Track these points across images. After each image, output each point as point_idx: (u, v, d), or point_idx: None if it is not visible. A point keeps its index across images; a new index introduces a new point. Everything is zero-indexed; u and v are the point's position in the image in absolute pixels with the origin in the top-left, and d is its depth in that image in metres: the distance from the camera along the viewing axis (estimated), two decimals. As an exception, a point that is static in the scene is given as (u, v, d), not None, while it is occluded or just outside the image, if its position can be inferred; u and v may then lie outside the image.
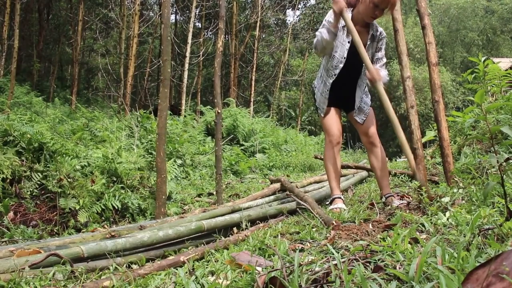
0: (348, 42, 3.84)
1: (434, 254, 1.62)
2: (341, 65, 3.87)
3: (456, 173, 3.75)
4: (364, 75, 3.87)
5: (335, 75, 3.92)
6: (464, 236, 1.92)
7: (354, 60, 3.80)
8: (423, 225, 2.43)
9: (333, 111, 4.02)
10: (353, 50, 3.74)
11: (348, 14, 3.73)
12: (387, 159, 4.45)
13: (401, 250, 1.84)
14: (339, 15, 3.73)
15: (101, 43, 26.04)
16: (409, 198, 3.76)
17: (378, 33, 3.89)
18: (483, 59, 4.54)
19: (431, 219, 2.56)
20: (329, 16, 3.87)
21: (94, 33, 26.66)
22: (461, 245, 1.64)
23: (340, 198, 3.95)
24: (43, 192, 4.92)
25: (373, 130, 3.96)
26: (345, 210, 3.63)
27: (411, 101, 3.87)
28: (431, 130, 7.30)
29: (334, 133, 3.97)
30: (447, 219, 2.42)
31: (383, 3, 3.64)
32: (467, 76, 5.47)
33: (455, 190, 3.22)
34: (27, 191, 4.77)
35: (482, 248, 1.69)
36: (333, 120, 4.00)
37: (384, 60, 3.93)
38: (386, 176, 3.99)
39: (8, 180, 4.66)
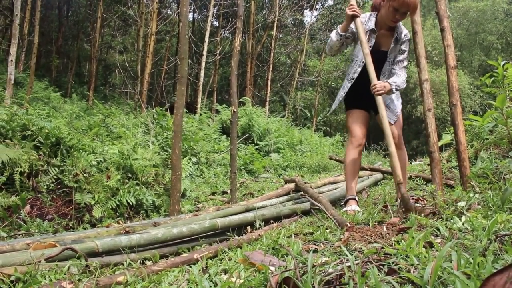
0: (370, 46, 3.86)
1: (449, 259, 1.60)
2: (359, 69, 3.94)
3: (472, 178, 3.72)
4: (386, 76, 3.93)
5: (353, 79, 4.00)
6: (480, 242, 1.90)
7: (375, 64, 3.78)
8: (438, 229, 2.41)
9: (358, 113, 4.07)
10: (373, 55, 3.78)
11: (360, 20, 3.80)
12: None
13: (415, 253, 1.82)
14: (350, 19, 3.81)
15: (119, 40, 26.22)
16: (423, 202, 3.73)
17: (403, 35, 3.90)
18: (502, 63, 4.49)
19: (446, 224, 2.54)
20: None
21: (112, 30, 26.79)
22: (477, 251, 1.62)
23: (354, 199, 3.97)
24: (59, 186, 4.97)
25: (399, 132, 3.99)
26: (359, 212, 3.63)
27: (428, 104, 3.84)
28: (447, 133, 7.23)
29: (356, 134, 4.02)
30: (463, 224, 2.40)
31: (403, 7, 3.68)
32: (486, 80, 5.41)
33: (471, 195, 3.19)
34: (44, 185, 4.83)
35: (499, 254, 1.67)
36: (357, 122, 4.05)
37: (405, 63, 3.94)
38: (404, 179, 3.98)
39: (25, 174, 4.72)
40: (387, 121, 3.58)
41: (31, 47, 15.00)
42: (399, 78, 3.82)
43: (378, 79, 3.86)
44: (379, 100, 3.62)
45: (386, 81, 3.74)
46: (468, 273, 1.42)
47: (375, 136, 20.88)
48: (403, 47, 3.91)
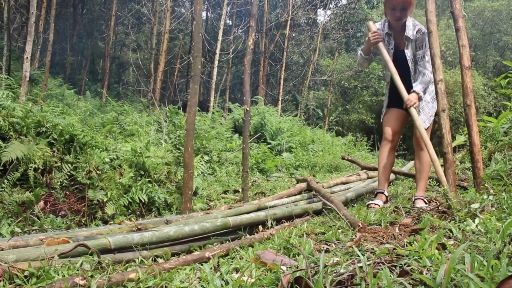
0: (391, 49, 4.08)
1: (462, 261, 1.59)
2: (389, 73, 4.08)
3: (486, 179, 3.68)
4: (413, 74, 4.06)
5: (388, 83, 4.21)
6: (494, 244, 1.88)
7: (398, 64, 3.99)
8: (451, 231, 2.39)
9: (391, 111, 4.22)
10: (396, 55, 4.04)
11: (382, 45, 4.03)
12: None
13: (428, 255, 1.81)
14: (373, 44, 4.06)
15: (133, 38, 26.33)
16: (436, 203, 3.71)
17: (415, 32, 3.99)
18: (518, 64, 4.44)
19: (459, 225, 2.52)
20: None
21: (126, 28, 26.92)
22: (491, 253, 1.61)
23: (382, 193, 4.12)
24: (72, 183, 5.01)
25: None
26: (382, 206, 3.83)
27: (443, 104, 3.80)
28: (461, 134, 7.17)
29: (386, 131, 4.19)
30: (476, 226, 2.38)
31: (397, 4, 3.85)
32: (500, 81, 5.35)
33: (485, 197, 3.15)
34: (57, 182, 4.87)
35: (513, 257, 1.65)
36: (389, 119, 4.21)
37: (427, 57, 3.96)
38: (423, 179, 4.06)
39: (39, 170, 4.76)
40: (424, 130, 3.80)
41: (46, 44, 15.08)
42: (423, 79, 3.93)
43: (408, 78, 4.02)
44: (413, 112, 3.83)
45: (413, 91, 3.88)
46: (482, 275, 1.41)
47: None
48: (418, 43, 3.99)
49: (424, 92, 3.93)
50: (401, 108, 4.06)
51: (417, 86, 3.89)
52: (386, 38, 4.10)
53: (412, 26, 3.97)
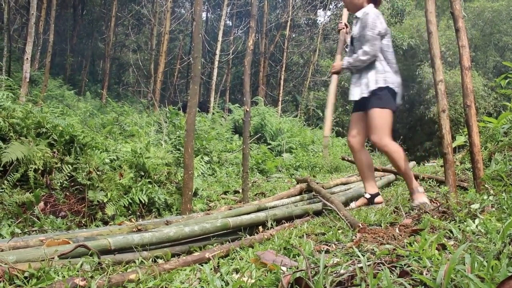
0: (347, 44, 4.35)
1: (462, 262, 1.59)
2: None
3: (486, 180, 3.68)
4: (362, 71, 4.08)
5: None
6: (495, 245, 1.88)
7: (351, 44, 4.23)
8: (451, 232, 2.39)
9: (353, 115, 4.25)
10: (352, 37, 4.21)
11: (342, 32, 4.55)
12: (414, 163, 4.50)
13: (428, 255, 1.81)
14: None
15: (133, 39, 26.35)
16: (436, 204, 3.71)
17: (360, 18, 4.09)
18: (518, 64, 4.43)
19: (459, 226, 2.52)
20: None
21: (126, 29, 26.95)
22: (491, 254, 1.61)
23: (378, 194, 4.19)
24: (72, 184, 5.01)
25: (367, 133, 4.03)
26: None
27: (443, 105, 3.81)
28: (461, 135, 7.17)
29: (347, 137, 4.33)
30: (476, 226, 2.37)
31: None
32: (500, 81, 5.35)
33: (485, 197, 3.15)
34: (58, 183, 4.87)
35: (513, 258, 1.65)
36: (350, 124, 4.28)
37: (367, 37, 3.92)
38: (405, 178, 3.92)
39: (39, 171, 4.76)
40: (331, 97, 4.33)
41: (46, 45, 15.09)
42: (353, 55, 4.02)
43: (353, 73, 4.17)
44: (333, 79, 4.34)
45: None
46: (482, 276, 1.41)
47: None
48: (362, 23, 4.02)
49: (348, 66, 4.02)
50: (358, 111, 4.12)
51: (345, 59, 4.08)
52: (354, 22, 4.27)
53: (365, 10, 4.04)
